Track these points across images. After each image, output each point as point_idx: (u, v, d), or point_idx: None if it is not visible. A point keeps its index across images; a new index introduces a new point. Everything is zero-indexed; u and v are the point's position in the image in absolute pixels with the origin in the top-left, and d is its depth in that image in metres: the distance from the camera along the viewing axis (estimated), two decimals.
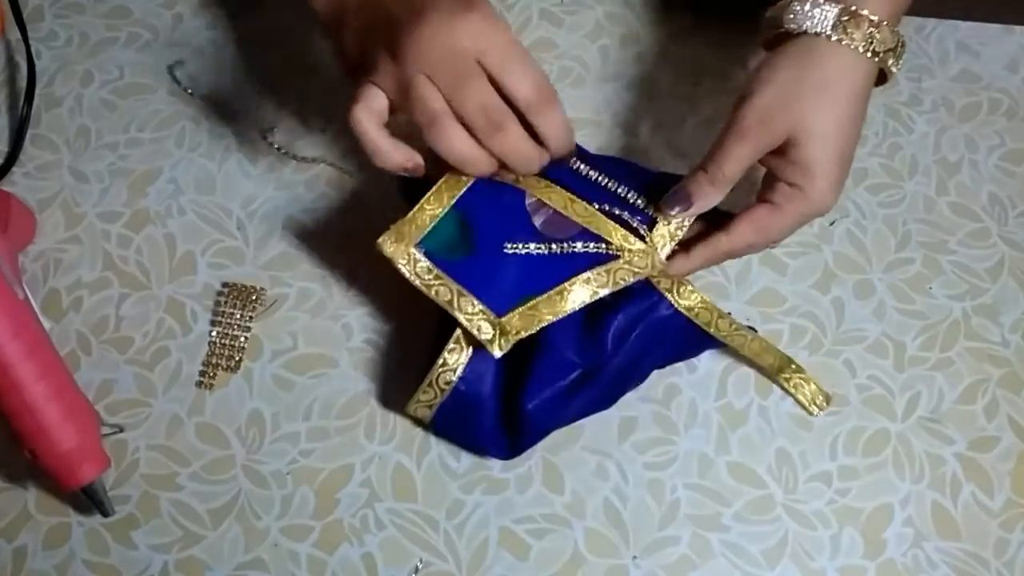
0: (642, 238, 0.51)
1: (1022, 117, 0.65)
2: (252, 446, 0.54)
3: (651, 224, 0.52)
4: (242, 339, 0.57)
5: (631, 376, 0.53)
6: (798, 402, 0.56)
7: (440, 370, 0.50)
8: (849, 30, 0.47)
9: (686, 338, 0.53)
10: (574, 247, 0.51)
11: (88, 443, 0.49)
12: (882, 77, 0.50)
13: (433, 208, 0.51)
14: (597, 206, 0.52)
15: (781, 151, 0.48)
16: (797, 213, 0.49)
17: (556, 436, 0.55)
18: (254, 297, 0.57)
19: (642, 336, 0.52)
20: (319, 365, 0.56)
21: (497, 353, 0.48)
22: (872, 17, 0.48)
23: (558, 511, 0.53)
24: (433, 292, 0.49)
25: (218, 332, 0.57)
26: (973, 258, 0.60)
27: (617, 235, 0.51)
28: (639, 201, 0.52)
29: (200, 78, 0.65)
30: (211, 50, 0.66)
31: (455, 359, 0.50)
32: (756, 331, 0.55)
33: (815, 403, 0.56)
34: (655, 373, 0.56)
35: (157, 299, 0.58)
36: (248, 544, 0.52)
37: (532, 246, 0.50)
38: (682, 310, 0.52)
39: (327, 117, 0.64)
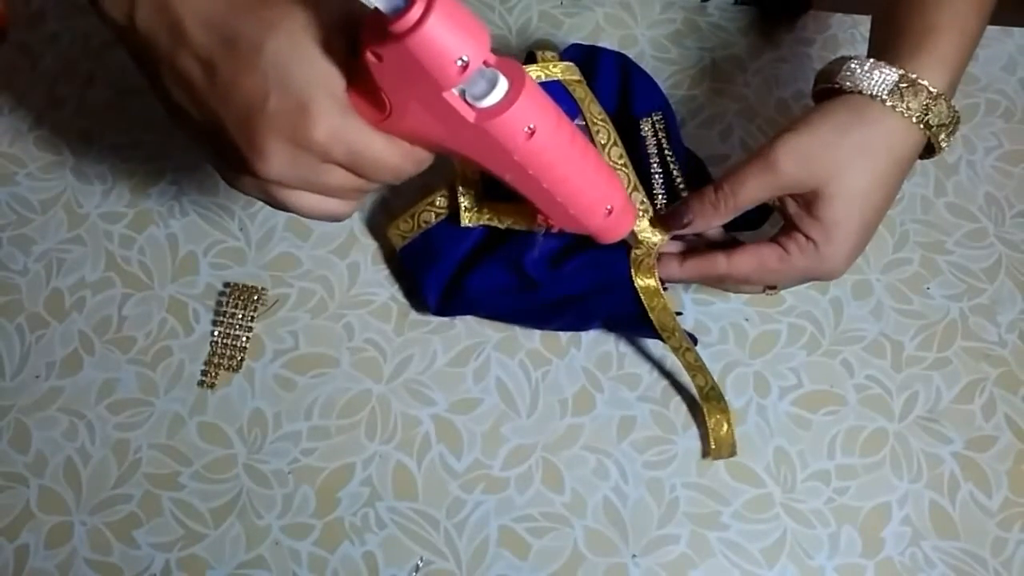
0: (653, 206, 0.52)
1: (1019, 118, 0.65)
2: (254, 445, 0.55)
3: (673, 197, 0.53)
4: (244, 339, 0.57)
5: (565, 310, 0.54)
6: (706, 437, 0.54)
7: (425, 206, 0.54)
8: (906, 98, 0.45)
9: (625, 308, 0.53)
10: None
11: (624, 193, 0.47)
12: (928, 149, 0.48)
13: None
14: (630, 163, 0.53)
15: (807, 203, 0.47)
16: (805, 268, 0.48)
17: (556, 436, 0.55)
18: (256, 297, 0.58)
19: (588, 279, 0.52)
20: (320, 365, 0.57)
21: (463, 222, 0.53)
22: (932, 88, 0.46)
23: (558, 510, 0.54)
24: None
25: (220, 332, 0.57)
26: (970, 258, 0.60)
27: (629, 189, 0.52)
28: (680, 183, 0.53)
29: None
30: None
31: (442, 204, 0.54)
32: (696, 343, 0.54)
33: (720, 449, 0.54)
34: (655, 373, 0.57)
35: (159, 299, 0.58)
36: (249, 543, 0.53)
37: None
38: (636, 283, 0.52)
39: None
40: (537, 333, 0.58)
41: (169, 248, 0.60)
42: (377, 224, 0.61)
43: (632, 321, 0.53)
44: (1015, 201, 0.62)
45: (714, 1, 0.69)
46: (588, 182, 0.44)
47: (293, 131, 0.38)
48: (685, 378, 0.57)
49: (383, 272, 0.59)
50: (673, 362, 0.57)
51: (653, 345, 0.57)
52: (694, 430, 0.55)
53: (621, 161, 0.53)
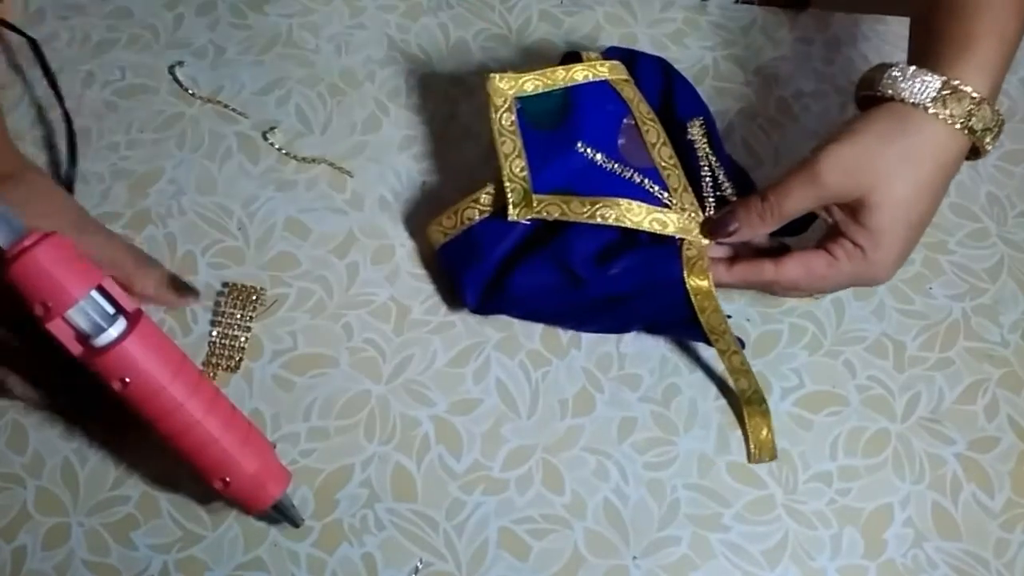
0: (703, 208, 0.53)
1: (1021, 118, 0.65)
2: None
3: (719, 208, 0.53)
4: (242, 339, 0.57)
5: (608, 311, 0.54)
6: (746, 440, 0.54)
7: (470, 203, 0.55)
8: (949, 105, 0.46)
9: (674, 311, 0.53)
10: (634, 177, 0.53)
11: (269, 461, 0.49)
12: (974, 151, 0.49)
13: (548, 81, 0.56)
14: (681, 163, 0.54)
15: (852, 210, 0.47)
16: (853, 274, 0.48)
17: (556, 437, 0.55)
18: (254, 297, 0.58)
19: (637, 280, 0.52)
20: (319, 365, 0.56)
21: (511, 216, 0.53)
22: (974, 94, 0.46)
23: (558, 511, 0.53)
24: (500, 139, 0.54)
25: (218, 332, 0.57)
26: (973, 258, 0.60)
27: (680, 190, 0.53)
28: (728, 188, 0.54)
29: (201, 79, 0.65)
30: (212, 51, 0.66)
31: (487, 201, 0.54)
32: (744, 346, 0.54)
33: (759, 453, 0.54)
34: (656, 374, 0.56)
35: None
36: (248, 544, 0.52)
37: (600, 157, 0.53)
38: (688, 284, 0.52)
39: (327, 118, 0.64)
40: (537, 334, 0.57)
41: (168, 248, 0.60)
42: (378, 224, 0.61)
43: (681, 323, 0.53)
44: (1017, 201, 0.62)
45: (714, 0, 0.69)
46: (196, 448, 0.47)
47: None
48: (686, 379, 0.56)
49: (382, 272, 0.59)
50: (675, 363, 0.57)
51: (654, 346, 0.57)
52: (695, 431, 0.55)
53: (671, 161, 0.54)
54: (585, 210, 0.52)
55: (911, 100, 0.46)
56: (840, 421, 0.56)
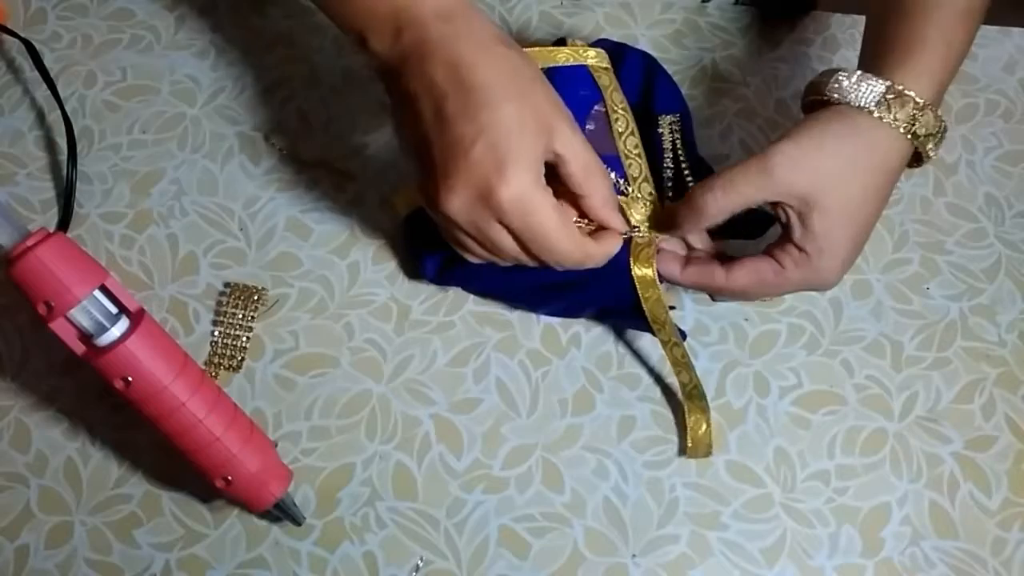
0: (661, 200, 0.54)
1: (1019, 119, 0.65)
2: None
3: (675, 197, 0.54)
4: (244, 339, 0.57)
5: (558, 295, 0.55)
6: (685, 436, 0.54)
7: None
8: (893, 109, 0.46)
9: (619, 298, 0.53)
10: None
11: (270, 460, 0.49)
12: (916, 158, 0.49)
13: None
14: (644, 154, 0.54)
15: (799, 213, 0.47)
16: (799, 279, 0.48)
17: (556, 436, 0.55)
18: (256, 297, 0.58)
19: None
20: (320, 364, 0.57)
21: None
22: (918, 99, 0.46)
23: (558, 510, 0.54)
24: None
25: (220, 332, 0.57)
26: (970, 258, 0.60)
27: (639, 179, 0.53)
28: (690, 182, 0.54)
29: (202, 80, 0.65)
30: (213, 52, 0.66)
31: None
32: (685, 338, 0.54)
33: (697, 448, 0.54)
34: (655, 373, 0.57)
35: (160, 299, 0.58)
36: (250, 542, 0.53)
37: None
38: (632, 272, 0.52)
39: (328, 118, 0.64)
40: (537, 333, 0.58)
41: (169, 248, 0.60)
42: (378, 224, 0.61)
43: (625, 311, 0.53)
44: (1015, 201, 0.62)
45: (714, 1, 0.69)
46: (198, 447, 0.47)
47: (484, 182, 0.43)
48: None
49: (383, 272, 0.59)
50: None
51: (653, 345, 0.57)
52: None
53: (636, 151, 0.54)
54: None
55: (856, 103, 0.47)
56: (838, 420, 0.56)
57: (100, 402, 0.55)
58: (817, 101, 0.49)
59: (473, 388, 0.56)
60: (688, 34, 0.68)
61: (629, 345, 0.58)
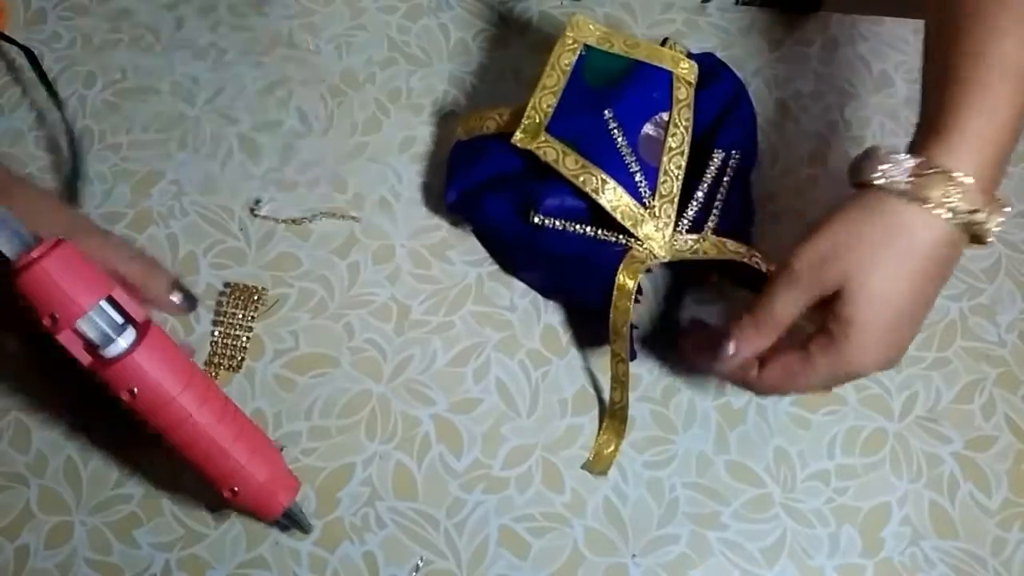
0: (675, 226, 0.54)
1: None
2: None
3: (692, 228, 0.55)
4: (244, 339, 0.57)
5: (541, 267, 0.57)
6: (593, 449, 0.54)
7: (494, 115, 0.58)
8: (923, 188, 0.43)
9: (592, 296, 0.53)
10: (632, 166, 0.54)
11: (278, 471, 0.49)
12: (975, 238, 0.45)
13: (625, 48, 0.58)
14: (682, 176, 0.55)
15: (829, 301, 0.45)
16: (827, 367, 0.45)
17: (555, 435, 0.55)
18: (256, 297, 0.58)
19: (580, 248, 0.54)
20: (320, 365, 0.57)
21: (515, 139, 0.55)
22: (955, 174, 0.43)
23: (558, 510, 0.54)
24: (549, 71, 0.57)
25: (220, 332, 0.57)
26: (970, 258, 0.60)
27: (666, 198, 0.54)
28: (712, 222, 0.55)
29: (202, 80, 0.65)
30: (213, 52, 0.66)
31: (506, 118, 0.57)
32: (634, 359, 0.54)
33: (597, 464, 0.54)
34: (654, 372, 0.57)
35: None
36: (250, 542, 0.53)
37: (618, 132, 0.55)
38: (616, 277, 0.52)
39: (328, 119, 0.64)
40: (537, 333, 0.58)
41: (170, 248, 0.60)
42: (378, 224, 0.61)
43: (592, 309, 0.54)
44: (1015, 201, 0.62)
45: (715, 1, 0.69)
46: (206, 459, 0.47)
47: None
48: (685, 378, 0.57)
49: (383, 272, 0.59)
50: (674, 362, 0.57)
51: (653, 345, 0.57)
52: (694, 430, 0.55)
53: (677, 172, 0.55)
54: (574, 169, 0.54)
55: (883, 184, 0.44)
56: (838, 420, 0.56)
57: (100, 402, 0.55)
58: (858, 183, 0.46)
59: (473, 388, 0.56)
60: (688, 34, 0.68)
61: None
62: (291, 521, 0.50)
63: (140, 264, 0.51)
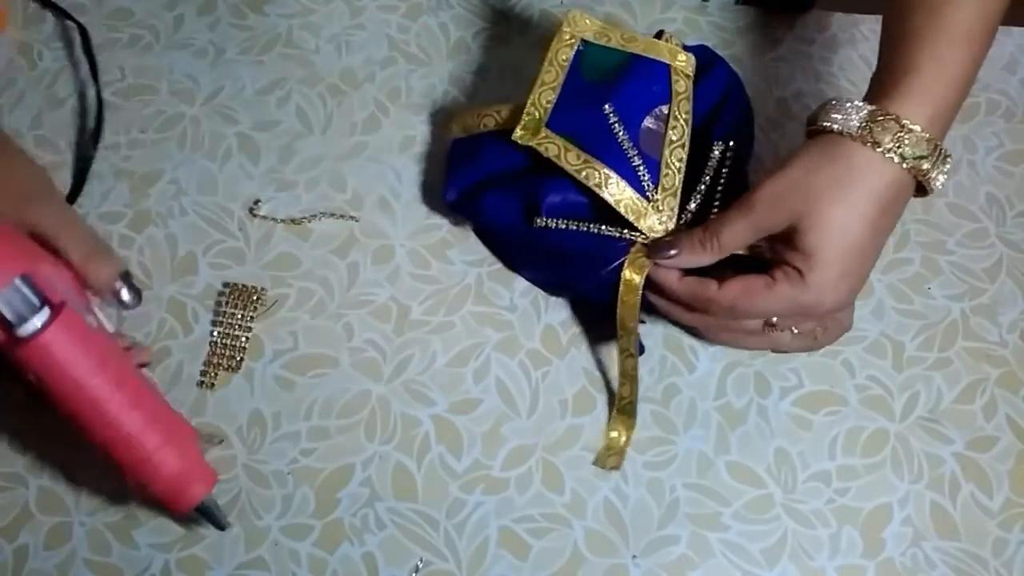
0: (679, 219, 0.54)
1: (1020, 118, 0.65)
2: (253, 446, 0.55)
3: (693, 224, 0.54)
4: (243, 339, 0.57)
5: (545, 264, 0.57)
6: (605, 442, 0.55)
7: (492, 112, 0.57)
8: (876, 132, 0.46)
9: (599, 292, 0.53)
10: (634, 160, 0.54)
11: (192, 463, 0.48)
12: (920, 187, 0.49)
13: (622, 42, 0.58)
14: (683, 170, 0.55)
15: (787, 237, 0.48)
16: (790, 296, 0.48)
17: (555, 436, 0.55)
18: (255, 297, 0.58)
19: (585, 244, 0.54)
20: (320, 365, 0.57)
21: (515, 136, 0.55)
22: (904, 121, 0.47)
23: (558, 511, 0.53)
24: (547, 67, 0.57)
25: (219, 332, 0.57)
26: (971, 258, 0.60)
27: (668, 192, 0.54)
28: (715, 212, 0.54)
29: (201, 79, 0.65)
30: (212, 51, 0.66)
31: (505, 116, 0.57)
32: (642, 353, 0.54)
33: (607, 458, 0.54)
34: (655, 373, 0.56)
35: (159, 299, 0.58)
36: (249, 543, 0.52)
37: (618, 126, 0.54)
38: (623, 272, 0.52)
39: (328, 118, 0.64)
40: (537, 333, 0.58)
41: (168, 248, 0.60)
42: (378, 224, 0.61)
43: (600, 306, 0.54)
44: (1016, 201, 0.62)
45: (714, 1, 0.69)
46: (112, 446, 0.46)
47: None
48: (685, 379, 0.57)
49: (383, 272, 0.59)
50: (674, 363, 0.57)
51: (653, 346, 0.57)
52: (695, 431, 0.55)
53: (678, 165, 0.55)
54: (576, 164, 0.54)
55: (838, 129, 0.47)
56: (839, 421, 0.56)
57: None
58: (815, 130, 0.49)
59: (473, 388, 0.56)
60: (689, 33, 0.68)
61: None
62: (205, 516, 0.49)
63: (86, 246, 0.50)
